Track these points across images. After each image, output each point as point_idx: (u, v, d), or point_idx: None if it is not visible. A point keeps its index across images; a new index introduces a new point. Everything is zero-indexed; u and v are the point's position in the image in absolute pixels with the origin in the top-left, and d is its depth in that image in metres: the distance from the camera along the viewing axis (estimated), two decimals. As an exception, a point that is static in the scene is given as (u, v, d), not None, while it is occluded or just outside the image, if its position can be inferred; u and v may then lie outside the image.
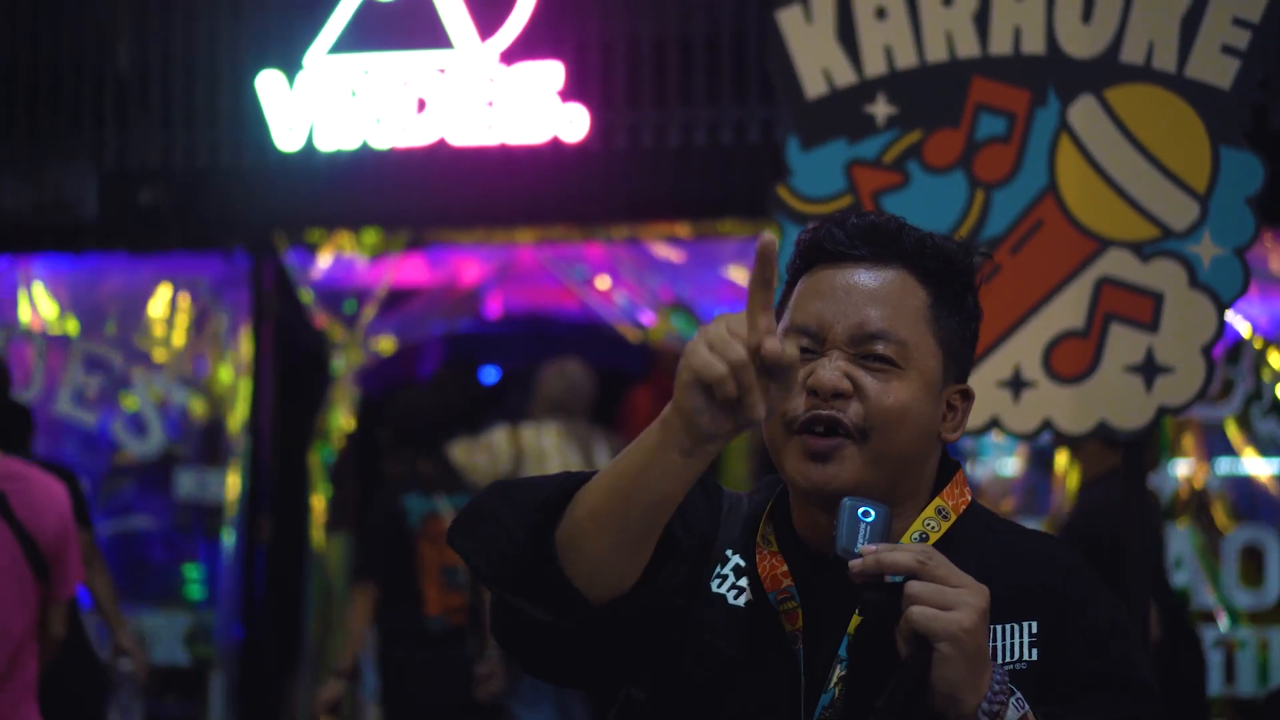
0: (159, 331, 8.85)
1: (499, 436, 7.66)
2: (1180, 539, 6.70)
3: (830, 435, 2.10)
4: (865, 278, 2.13)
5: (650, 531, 2.02)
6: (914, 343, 2.11)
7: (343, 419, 8.53)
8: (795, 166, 4.14)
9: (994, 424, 3.96)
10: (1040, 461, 7.29)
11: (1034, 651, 2.09)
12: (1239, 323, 6.63)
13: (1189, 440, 6.86)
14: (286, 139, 7.83)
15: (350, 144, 7.79)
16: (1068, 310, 3.91)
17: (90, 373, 8.78)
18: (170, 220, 8.50)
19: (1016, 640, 2.09)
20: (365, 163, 7.89)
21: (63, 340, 8.95)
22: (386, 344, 8.76)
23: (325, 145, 7.80)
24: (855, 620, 2.07)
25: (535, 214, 8.17)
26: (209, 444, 8.72)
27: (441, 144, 7.70)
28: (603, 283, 8.34)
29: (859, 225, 2.16)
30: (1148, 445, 4.03)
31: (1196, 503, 6.87)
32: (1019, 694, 1.98)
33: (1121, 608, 2.20)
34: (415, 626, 6.60)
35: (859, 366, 2.10)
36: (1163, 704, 2.12)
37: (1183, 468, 6.93)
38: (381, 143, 7.76)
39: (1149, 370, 3.84)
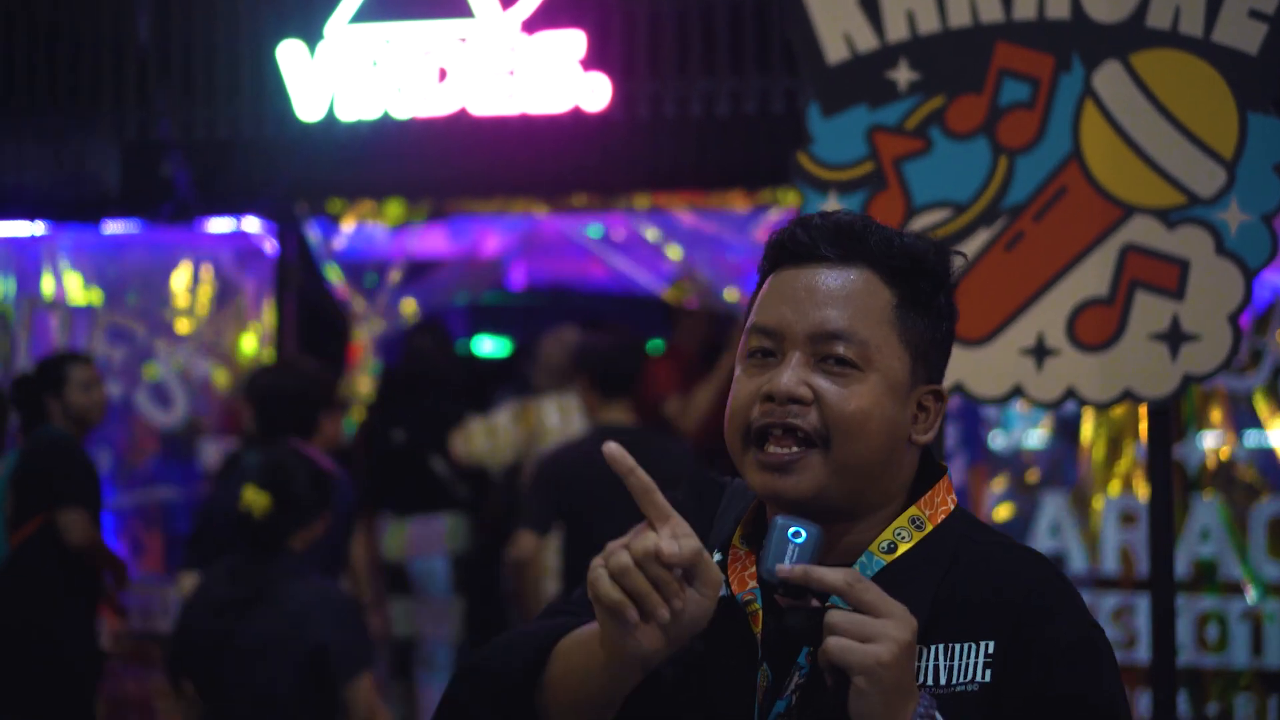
0: (182, 303, 8.86)
1: (503, 419, 7.65)
2: (1207, 510, 6.65)
3: (788, 440, 2.06)
4: (828, 278, 2.09)
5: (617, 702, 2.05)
6: (876, 343, 2.07)
7: (364, 390, 8.52)
8: (816, 133, 4.10)
9: (1017, 392, 3.93)
10: (1066, 432, 7.25)
11: (987, 673, 2.01)
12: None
13: (1217, 411, 6.81)
14: (308, 109, 7.80)
15: (371, 114, 7.76)
16: (1092, 277, 3.87)
17: (114, 344, 8.79)
18: (192, 192, 8.49)
19: (970, 660, 2.02)
20: (387, 133, 7.86)
21: (87, 312, 8.96)
22: (409, 314, 8.75)
23: (346, 115, 7.78)
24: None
25: (557, 184, 8.14)
26: (232, 414, 8.72)
27: (463, 114, 7.66)
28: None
29: (823, 225, 2.12)
30: (1172, 414, 3.99)
31: (1224, 474, 6.82)
32: None
33: (1095, 629, 2.10)
34: None
35: (818, 371, 2.06)
36: None
37: (1210, 439, 6.88)
38: (403, 113, 7.73)
39: (1174, 338, 3.80)
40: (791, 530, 1.94)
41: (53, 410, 6.61)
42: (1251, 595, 6.62)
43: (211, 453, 8.67)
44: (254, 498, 4.88)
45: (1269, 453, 6.89)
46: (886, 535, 2.10)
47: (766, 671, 2.07)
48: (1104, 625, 6.76)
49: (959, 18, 4.01)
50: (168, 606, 7.99)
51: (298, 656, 4.75)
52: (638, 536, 1.90)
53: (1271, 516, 6.62)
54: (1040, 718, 1.99)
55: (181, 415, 8.82)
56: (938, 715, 1.91)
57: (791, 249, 2.13)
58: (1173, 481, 3.97)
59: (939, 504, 2.13)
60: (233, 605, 4.84)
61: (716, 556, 2.17)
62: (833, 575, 1.90)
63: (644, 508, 1.92)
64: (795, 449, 2.05)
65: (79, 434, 6.64)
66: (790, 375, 2.05)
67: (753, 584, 2.10)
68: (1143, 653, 6.55)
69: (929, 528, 2.11)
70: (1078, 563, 6.94)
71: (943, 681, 2.00)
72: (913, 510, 2.11)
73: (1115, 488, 6.87)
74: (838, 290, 2.08)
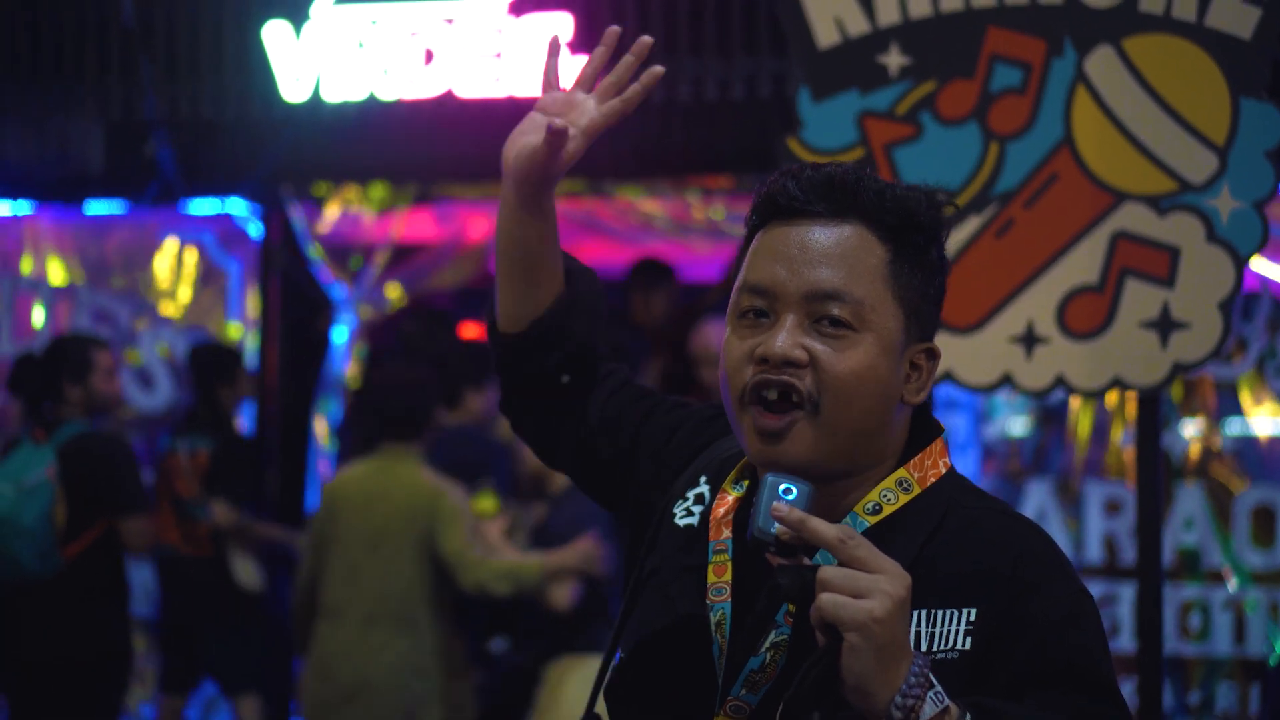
0: (165, 285, 8.82)
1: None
2: (1191, 498, 6.65)
3: (783, 404, 2.03)
4: (820, 235, 2.05)
5: (517, 268, 2.40)
6: (871, 302, 2.03)
7: (349, 374, 8.50)
8: (806, 118, 4.09)
9: (1006, 380, 3.92)
10: (1050, 420, 7.24)
11: (967, 640, 1.97)
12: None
13: (1202, 398, 6.82)
14: (293, 90, 7.77)
15: (357, 95, 7.73)
16: (1082, 265, 3.86)
17: (96, 326, 8.74)
18: (176, 173, 8.45)
19: (951, 628, 1.98)
20: (372, 114, 7.83)
21: (69, 292, 8.92)
22: (395, 298, 8.72)
23: (332, 97, 7.75)
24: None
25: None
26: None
27: (449, 96, 7.64)
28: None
29: (813, 179, 2.07)
30: (1161, 402, 3.98)
31: (1207, 462, 6.83)
32: (939, 687, 1.86)
33: (1084, 596, 2.05)
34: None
35: (813, 333, 2.03)
36: (1122, 706, 1.99)
37: (1193, 427, 6.89)
38: (389, 94, 7.70)
39: (1164, 326, 3.79)
40: (782, 487, 1.91)
41: (71, 397, 6.28)
42: (1234, 584, 6.63)
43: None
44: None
45: (1252, 440, 6.90)
46: (873, 496, 2.07)
47: (726, 615, 2.06)
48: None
49: (950, 2, 4.00)
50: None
51: None
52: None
53: (1254, 505, 6.63)
54: (1029, 689, 1.95)
55: (165, 399, 8.78)
56: (932, 677, 1.86)
57: (782, 204, 2.08)
58: (1161, 469, 3.96)
59: (929, 466, 2.10)
60: None
61: (703, 486, 2.21)
62: (827, 529, 1.86)
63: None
64: (791, 414, 2.03)
65: (89, 421, 6.36)
66: (785, 337, 2.02)
67: (727, 533, 2.10)
68: (1126, 641, 6.56)
69: (916, 490, 2.07)
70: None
71: (923, 648, 1.96)
72: (900, 472, 2.08)
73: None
74: (832, 248, 2.04)
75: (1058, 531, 6.83)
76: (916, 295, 2.08)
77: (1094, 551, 6.82)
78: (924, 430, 2.14)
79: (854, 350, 2.02)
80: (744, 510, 2.12)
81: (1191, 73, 3.79)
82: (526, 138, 2.34)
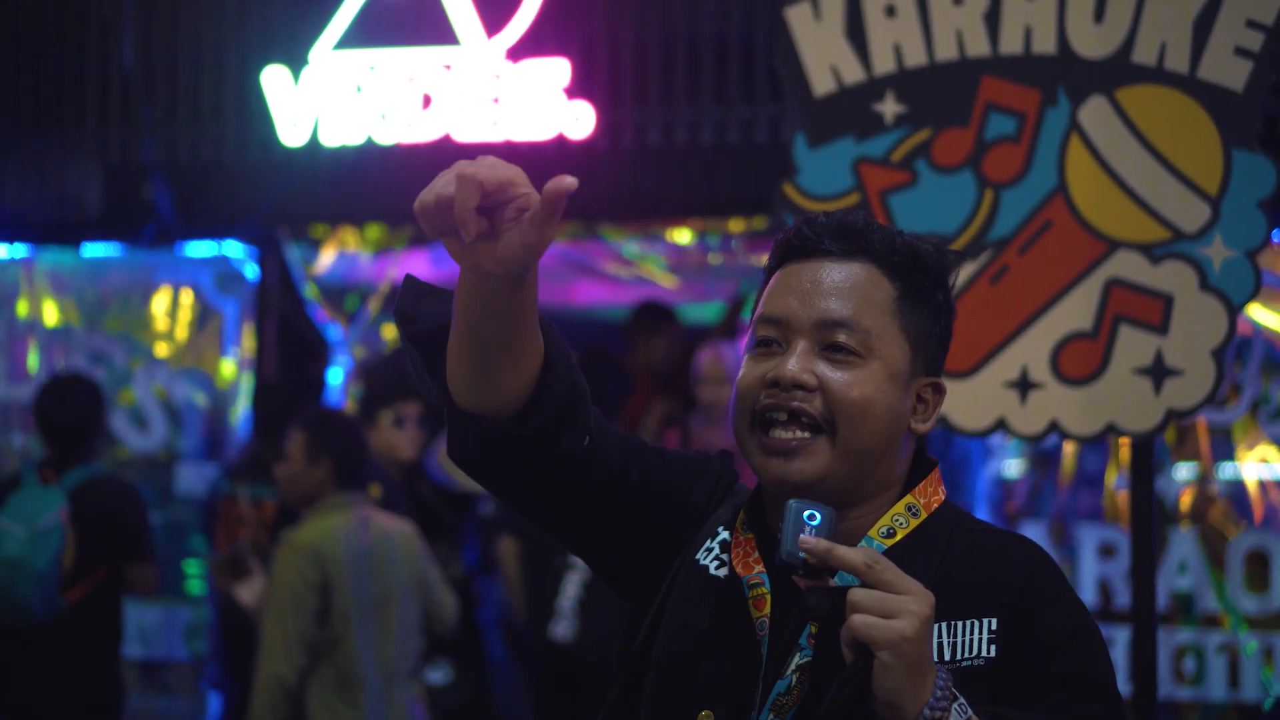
0: (161, 326, 8.83)
1: None
2: (1184, 542, 6.67)
3: (793, 425, 2.13)
4: (832, 271, 2.18)
5: (478, 352, 2.12)
6: (878, 332, 2.15)
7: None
8: (802, 164, 4.12)
9: (1001, 425, 3.94)
10: (1044, 463, 7.27)
11: (992, 648, 2.08)
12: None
13: (1195, 443, 6.84)
14: (291, 134, 7.81)
15: (355, 140, 7.76)
16: (1076, 311, 3.89)
17: (92, 366, 8.75)
18: (174, 215, 8.48)
19: (975, 637, 2.09)
20: (370, 159, 7.87)
21: (65, 333, 8.93)
22: (391, 339, 8.75)
23: (330, 141, 7.78)
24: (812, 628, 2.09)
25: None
26: (211, 439, 8.70)
27: (447, 140, 7.67)
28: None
29: (827, 223, 2.20)
30: (1154, 447, 4.01)
31: (1201, 506, 6.85)
32: (962, 699, 1.97)
33: (1084, 609, 2.19)
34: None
35: (822, 359, 2.14)
36: (1123, 710, 2.11)
37: (1187, 471, 6.91)
38: (386, 139, 7.74)
39: (1158, 372, 3.82)
40: (807, 513, 2.00)
41: (99, 434, 6.28)
42: (1228, 628, 6.64)
43: (188, 477, 8.63)
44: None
45: (1246, 485, 6.92)
46: (885, 521, 2.18)
47: (766, 653, 2.14)
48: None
49: (945, 51, 4.03)
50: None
51: None
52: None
53: (1249, 549, 6.64)
54: (1039, 694, 2.06)
55: (160, 439, 8.78)
56: (954, 690, 1.96)
57: (797, 245, 2.21)
58: (1155, 514, 3.99)
59: (931, 494, 2.21)
60: None
61: (723, 534, 2.25)
62: (853, 554, 1.96)
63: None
64: (801, 434, 2.13)
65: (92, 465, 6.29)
66: (795, 362, 2.13)
67: (759, 569, 2.17)
68: (1121, 685, 6.56)
69: (924, 515, 2.18)
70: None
71: (947, 657, 2.07)
72: (909, 499, 2.19)
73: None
74: (841, 282, 2.17)
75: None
76: (922, 332, 2.19)
77: (1088, 595, 6.83)
78: (922, 462, 2.25)
79: (861, 375, 2.13)
80: (767, 542, 2.19)
81: (1184, 124, 3.83)
82: (505, 239, 2.01)
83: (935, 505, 2.21)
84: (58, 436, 6.19)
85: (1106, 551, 6.80)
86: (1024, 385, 3.92)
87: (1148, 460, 3.95)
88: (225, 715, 7.28)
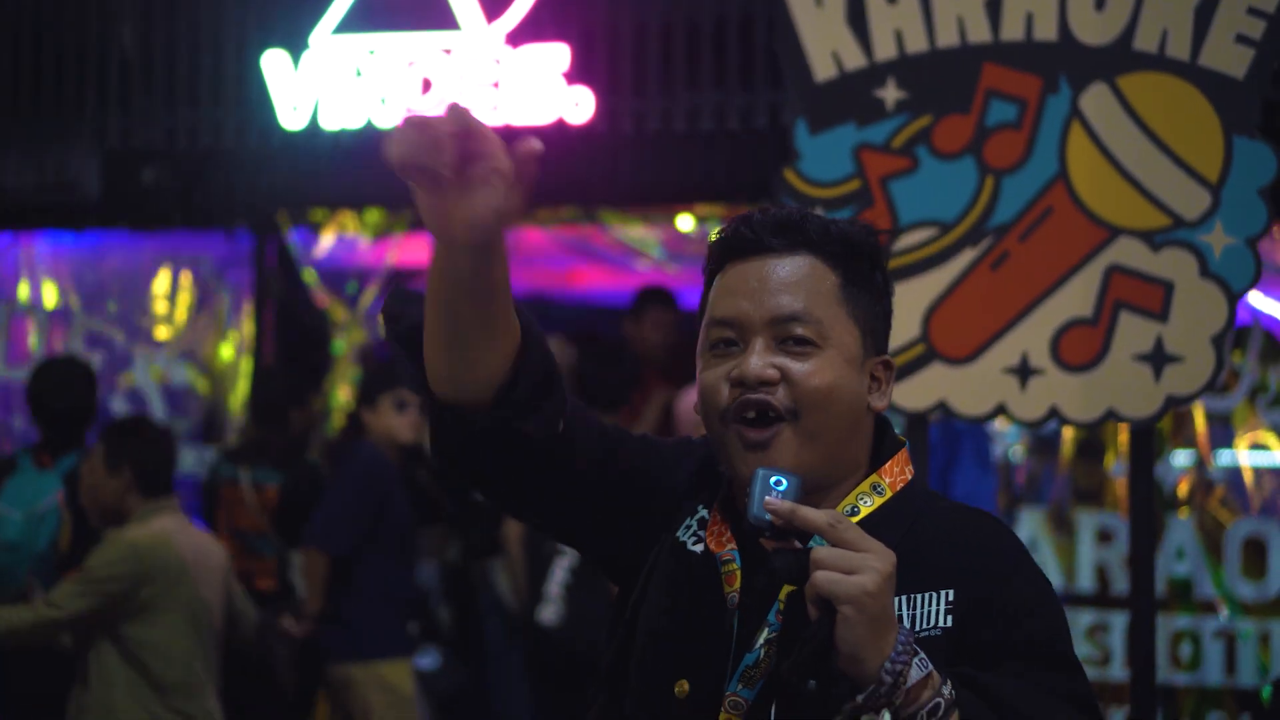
0: (161, 309, 8.84)
1: None
2: (1182, 529, 6.68)
3: (763, 422, 2.19)
4: (778, 267, 2.23)
5: (451, 331, 2.13)
6: (830, 321, 2.21)
7: (344, 398, 8.52)
8: (803, 150, 4.14)
9: (1000, 411, 3.96)
10: (1042, 450, 7.28)
11: (948, 619, 2.13)
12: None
13: (1194, 430, 6.85)
14: (291, 118, 7.80)
15: (355, 124, 7.76)
16: (1076, 298, 3.90)
17: (91, 350, 8.76)
18: (173, 199, 8.48)
19: (932, 608, 2.14)
20: (369, 142, 7.86)
21: (64, 317, 8.94)
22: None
23: (329, 125, 7.78)
24: (786, 589, 2.14)
25: (539, 196, 8.08)
26: (210, 422, 8.70)
27: (446, 125, 7.66)
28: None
29: (764, 220, 2.26)
30: (1154, 434, 4.02)
31: (1198, 493, 6.86)
32: (922, 654, 2.02)
33: (1045, 583, 2.23)
34: None
35: (781, 352, 2.20)
36: (1086, 680, 2.16)
37: (1184, 458, 6.92)
38: (386, 123, 7.73)
39: (1158, 359, 3.83)
40: (773, 479, 2.08)
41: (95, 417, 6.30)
42: (1225, 614, 6.66)
43: (189, 460, 8.64)
44: None
45: (1243, 472, 6.93)
46: (849, 500, 2.23)
47: (736, 627, 2.19)
48: (1078, 643, 6.83)
49: (947, 38, 4.04)
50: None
51: None
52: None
53: (1246, 536, 6.65)
54: (997, 662, 2.10)
55: (159, 422, 8.78)
56: (916, 646, 2.02)
57: (738, 245, 2.27)
58: (1154, 501, 4.00)
59: (898, 473, 2.27)
60: None
61: (702, 512, 2.31)
62: (817, 515, 2.03)
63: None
64: (771, 427, 2.19)
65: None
66: (757, 359, 2.19)
67: (730, 546, 2.24)
68: (1117, 670, 6.58)
69: (889, 494, 2.24)
70: (1053, 580, 6.96)
71: (908, 627, 2.10)
72: (873, 478, 2.25)
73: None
74: (788, 277, 2.22)
75: (1049, 560, 6.87)
76: (868, 314, 2.26)
77: (1086, 581, 6.85)
78: (888, 443, 2.30)
79: (820, 363, 2.20)
80: (739, 524, 2.24)
81: (1185, 111, 3.84)
82: (476, 199, 2.04)
83: (901, 484, 2.26)
84: (52, 421, 6.20)
85: (1104, 537, 6.81)
86: (1024, 371, 3.94)
87: (1148, 447, 3.97)
88: None
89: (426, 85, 7.67)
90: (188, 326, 8.83)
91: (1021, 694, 2.07)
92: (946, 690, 2.02)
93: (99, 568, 5.26)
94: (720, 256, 2.30)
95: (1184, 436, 6.86)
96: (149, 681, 5.30)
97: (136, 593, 5.23)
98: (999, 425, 7.04)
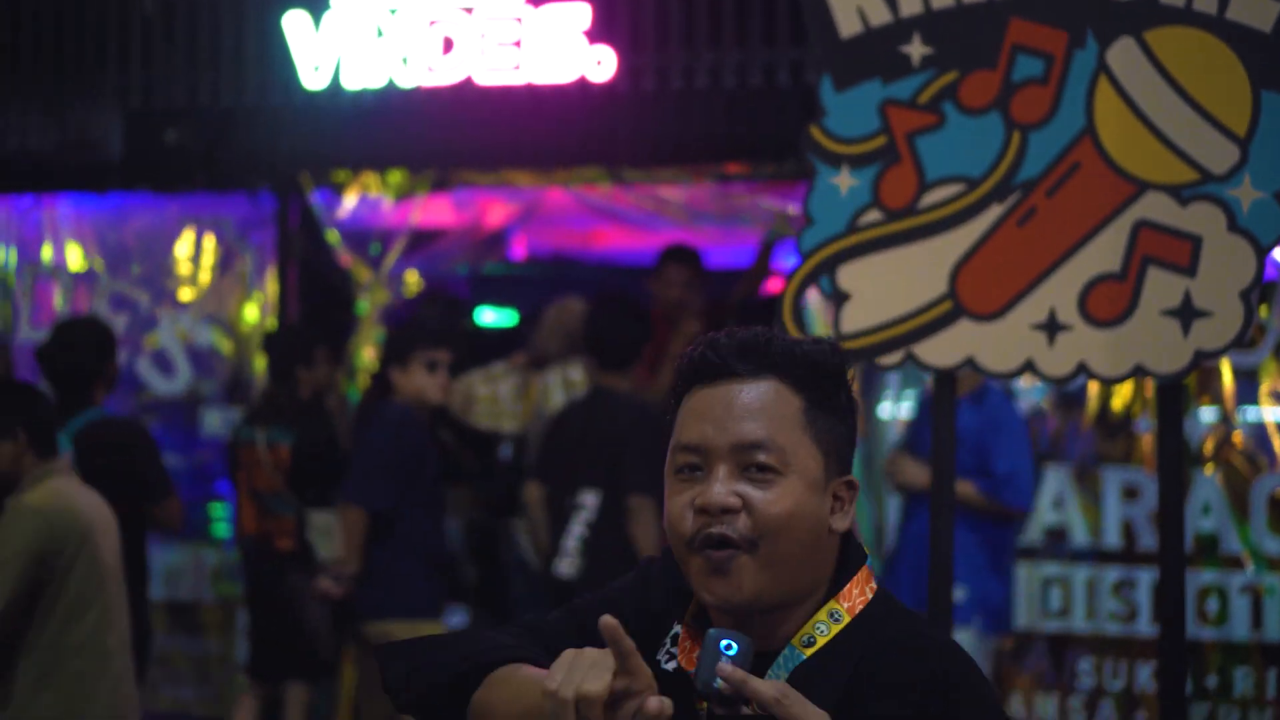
0: (185, 271, 8.85)
1: (500, 370, 7.76)
2: (1208, 484, 6.68)
3: (723, 548, 2.23)
4: (742, 393, 2.26)
5: None
6: (792, 448, 2.24)
7: (368, 358, 8.54)
8: (829, 107, 4.12)
9: (1028, 366, 3.95)
10: (1068, 406, 7.27)
11: None
12: None
13: (1219, 386, 6.84)
14: (312, 78, 7.81)
15: (376, 83, 7.76)
16: (1104, 253, 3.89)
17: (117, 312, 8.78)
18: (195, 160, 8.49)
19: None
20: (391, 102, 7.86)
21: (89, 278, 8.96)
22: (413, 284, 8.77)
23: (351, 84, 7.78)
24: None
25: (561, 156, 8.14)
26: (235, 384, 8.73)
27: (468, 84, 7.67)
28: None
29: (729, 344, 2.29)
30: (1182, 390, 4.01)
31: (1224, 449, 6.86)
32: None
33: (1000, 709, 2.27)
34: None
35: (744, 479, 2.24)
36: None
37: (1210, 414, 6.91)
38: (407, 82, 7.73)
39: (1186, 314, 3.82)
40: (724, 643, 2.11)
41: (109, 374, 6.31)
42: (1251, 569, 6.66)
43: (215, 421, 8.68)
44: None
45: (1269, 428, 6.92)
46: (807, 630, 2.28)
47: None
48: (1105, 599, 6.87)
49: (973, -7, 4.02)
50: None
51: None
52: (591, 675, 2.03)
53: (1271, 491, 6.65)
54: None
55: (184, 383, 8.82)
56: None
57: (704, 369, 2.30)
58: (1182, 457, 4.00)
59: (857, 595, 2.30)
60: None
61: (676, 629, 2.38)
62: (765, 688, 2.07)
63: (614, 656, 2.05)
64: (729, 550, 2.23)
65: (103, 408, 6.36)
66: (719, 488, 2.23)
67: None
68: (1143, 625, 6.59)
69: (846, 620, 2.28)
70: (1079, 536, 6.97)
71: None
72: (831, 604, 2.28)
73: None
74: (752, 403, 2.26)
75: (1076, 518, 6.87)
76: (832, 435, 2.29)
77: (1112, 537, 6.85)
78: (852, 560, 2.34)
79: (781, 490, 2.23)
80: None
81: (1212, 65, 3.82)
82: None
83: (860, 607, 2.29)
84: (56, 381, 6.25)
85: (1130, 493, 6.81)
86: (1052, 327, 3.93)
87: (1177, 402, 3.96)
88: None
89: (448, 45, 7.67)
90: (212, 288, 8.84)
91: None
92: None
93: (14, 540, 5.03)
94: (687, 380, 2.33)
95: (1210, 393, 6.85)
96: (57, 644, 5.08)
97: (57, 559, 5.02)
98: (1023, 383, 7.04)
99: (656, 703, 2.03)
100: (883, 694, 2.18)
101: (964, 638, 6.45)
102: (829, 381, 2.30)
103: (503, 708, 2.23)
